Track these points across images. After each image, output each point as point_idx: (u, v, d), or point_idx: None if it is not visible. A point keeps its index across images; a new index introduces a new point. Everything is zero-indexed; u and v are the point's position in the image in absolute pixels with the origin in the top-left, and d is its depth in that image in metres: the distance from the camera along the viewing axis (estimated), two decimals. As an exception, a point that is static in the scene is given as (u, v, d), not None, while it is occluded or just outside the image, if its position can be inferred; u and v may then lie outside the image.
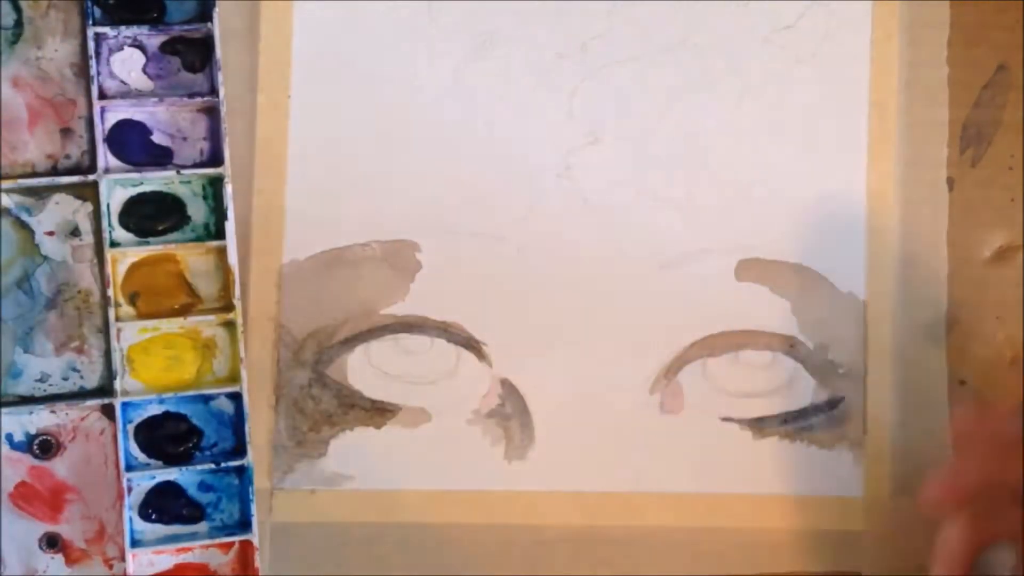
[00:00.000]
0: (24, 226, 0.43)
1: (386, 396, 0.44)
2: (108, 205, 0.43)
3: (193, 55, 0.44)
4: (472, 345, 0.44)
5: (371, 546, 0.44)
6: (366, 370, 0.44)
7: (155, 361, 0.43)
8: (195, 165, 0.44)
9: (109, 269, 0.43)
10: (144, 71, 0.44)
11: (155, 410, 0.43)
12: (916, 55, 0.46)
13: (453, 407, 0.44)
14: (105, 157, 0.43)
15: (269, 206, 0.44)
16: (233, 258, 0.43)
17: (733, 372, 0.45)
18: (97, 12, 0.43)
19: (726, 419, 0.45)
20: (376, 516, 0.44)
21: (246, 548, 0.43)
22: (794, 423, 0.45)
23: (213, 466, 0.43)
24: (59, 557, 0.43)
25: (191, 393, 0.43)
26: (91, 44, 0.43)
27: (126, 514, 0.43)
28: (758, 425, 0.45)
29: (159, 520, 0.43)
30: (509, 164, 0.45)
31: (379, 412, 0.44)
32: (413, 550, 0.44)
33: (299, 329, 0.44)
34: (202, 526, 0.44)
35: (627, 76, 0.45)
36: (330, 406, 0.44)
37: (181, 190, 0.44)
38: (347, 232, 0.44)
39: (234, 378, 0.43)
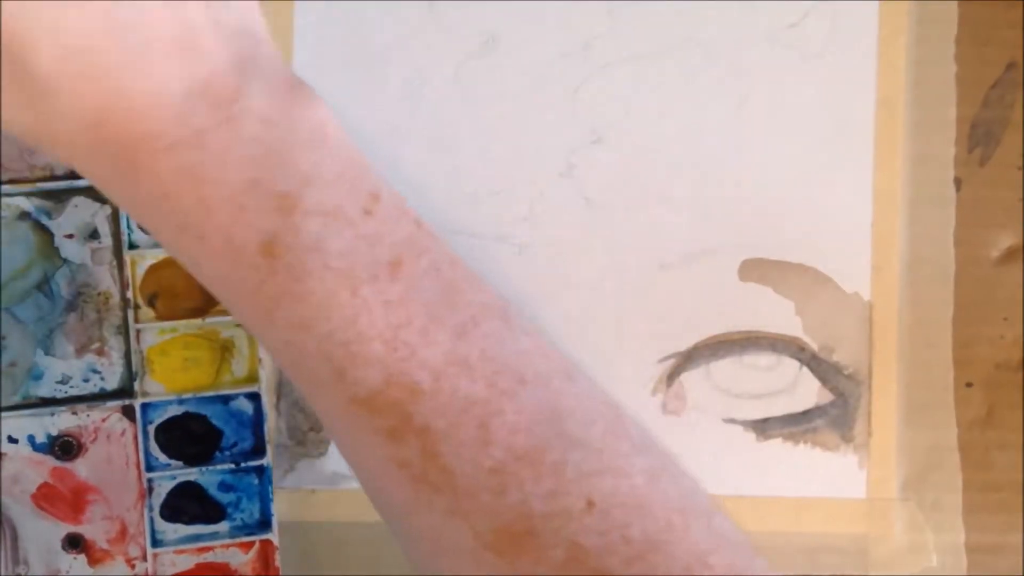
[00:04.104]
0: (44, 229, 0.43)
1: (387, 396, 0.44)
2: (126, 207, 0.43)
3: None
4: (473, 345, 0.44)
5: (371, 546, 0.44)
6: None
7: (174, 362, 0.44)
8: (210, 166, 0.44)
9: (128, 271, 0.43)
10: (157, 73, 0.44)
11: (175, 411, 0.44)
12: (924, 53, 0.45)
13: (454, 407, 0.44)
14: (121, 159, 0.43)
15: (270, 206, 0.44)
16: (250, 258, 0.43)
17: (736, 373, 0.45)
18: (107, 15, 0.43)
19: (729, 420, 0.45)
20: (376, 516, 0.44)
21: (266, 547, 0.43)
22: (798, 425, 0.45)
23: (233, 466, 0.43)
24: (82, 557, 0.43)
25: (210, 394, 0.43)
26: (104, 46, 0.43)
27: (147, 514, 0.43)
28: (761, 426, 0.45)
29: (180, 520, 0.44)
30: (511, 163, 0.45)
31: (380, 412, 0.44)
32: (413, 550, 0.44)
33: (300, 329, 0.44)
34: (223, 526, 0.44)
35: (630, 75, 0.45)
36: (331, 406, 0.44)
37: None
38: (348, 232, 0.44)
39: (252, 378, 0.44)
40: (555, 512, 0.27)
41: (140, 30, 0.26)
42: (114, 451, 0.43)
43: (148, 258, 0.43)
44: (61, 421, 0.43)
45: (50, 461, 0.43)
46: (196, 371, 0.44)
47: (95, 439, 0.43)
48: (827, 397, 0.45)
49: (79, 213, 0.43)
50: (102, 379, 0.44)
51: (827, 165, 0.45)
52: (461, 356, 0.28)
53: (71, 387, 0.43)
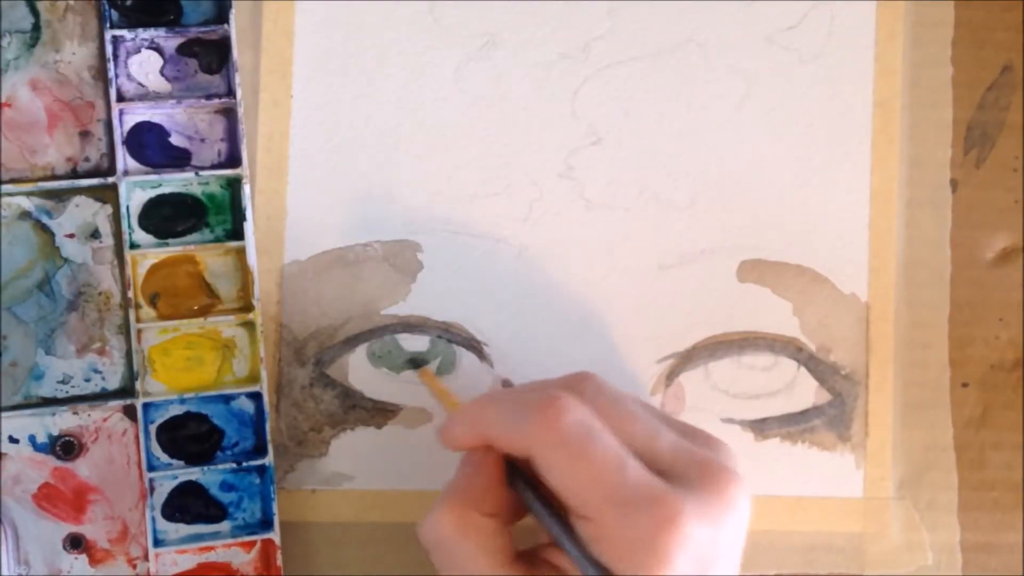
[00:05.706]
0: (45, 229, 0.43)
1: (387, 396, 0.44)
2: (127, 207, 0.43)
3: (210, 56, 0.44)
4: (473, 345, 0.44)
5: (371, 546, 0.44)
6: (367, 370, 0.44)
7: (176, 362, 0.44)
8: (213, 166, 0.44)
9: (129, 271, 0.43)
10: (162, 73, 0.44)
11: (176, 410, 0.44)
12: (920, 55, 0.45)
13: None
14: (124, 159, 0.43)
15: (270, 206, 0.44)
16: (252, 259, 0.43)
17: (735, 373, 0.45)
18: (114, 15, 0.43)
19: (727, 420, 0.45)
20: (376, 516, 0.44)
21: (268, 547, 0.43)
22: (796, 424, 0.45)
23: (235, 465, 0.43)
24: (83, 557, 0.43)
25: (212, 393, 0.43)
26: (109, 47, 0.43)
27: (148, 514, 0.43)
28: (759, 426, 0.45)
29: (182, 520, 0.44)
30: (510, 164, 0.45)
31: (380, 412, 0.44)
32: (413, 550, 0.44)
33: (300, 329, 0.44)
34: (224, 525, 0.44)
35: (629, 76, 0.45)
36: (331, 406, 0.44)
37: (199, 191, 0.44)
38: (348, 232, 0.44)
39: (254, 378, 0.44)
40: None
41: None
42: (115, 451, 0.43)
43: (149, 257, 0.43)
44: (62, 421, 0.43)
45: (51, 461, 0.43)
46: (197, 371, 0.44)
47: (96, 439, 0.43)
48: (824, 397, 0.45)
49: (80, 212, 0.43)
50: (103, 379, 0.43)
51: (824, 166, 0.45)
52: None
53: (72, 387, 0.43)
